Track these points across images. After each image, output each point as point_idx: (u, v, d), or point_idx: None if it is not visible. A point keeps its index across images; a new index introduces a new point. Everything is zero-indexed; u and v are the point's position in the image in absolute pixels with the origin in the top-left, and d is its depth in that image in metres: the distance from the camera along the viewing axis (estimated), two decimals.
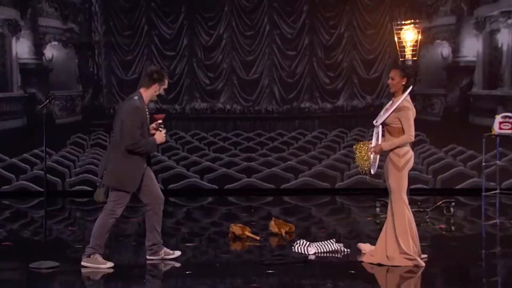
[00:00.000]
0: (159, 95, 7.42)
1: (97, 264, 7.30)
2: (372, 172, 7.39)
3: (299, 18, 12.24)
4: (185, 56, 12.23)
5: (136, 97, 7.27)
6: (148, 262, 7.54)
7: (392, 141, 7.31)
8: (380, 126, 7.37)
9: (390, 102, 7.46)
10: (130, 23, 12.16)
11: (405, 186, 7.40)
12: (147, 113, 7.30)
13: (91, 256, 7.32)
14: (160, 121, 7.43)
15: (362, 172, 7.42)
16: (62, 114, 12.14)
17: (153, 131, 7.42)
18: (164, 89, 7.40)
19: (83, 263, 7.34)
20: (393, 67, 7.57)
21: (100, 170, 7.45)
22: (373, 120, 7.46)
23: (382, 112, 7.42)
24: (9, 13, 11.85)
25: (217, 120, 12.32)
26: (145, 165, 7.35)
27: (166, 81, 7.38)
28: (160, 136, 7.34)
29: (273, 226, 8.94)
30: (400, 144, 7.29)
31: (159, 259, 7.58)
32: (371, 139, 7.42)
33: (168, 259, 7.63)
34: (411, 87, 7.40)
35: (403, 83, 7.35)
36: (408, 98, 7.39)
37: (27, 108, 11.91)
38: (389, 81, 7.41)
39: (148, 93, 7.29)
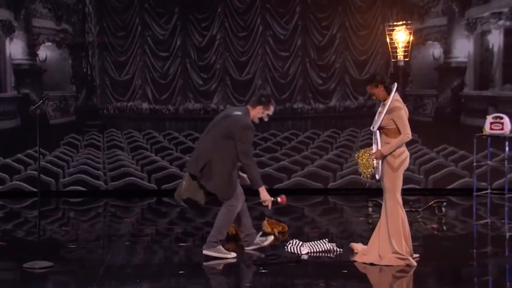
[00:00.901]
0: (261, 118, 7.87)
1: (222, 254, 7.73)
2: (377, 177, 7.45)
3: (292, 19, 12.27)
4: (178, 56, 12.23)
5: (241, 113, 7.81)
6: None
7: (390, 144, 7.34)
8: (378, 131, 7.42)
9: (381, 105, 7.51)
10: (123, 24, 12.15)
11: (399, 186, 7.43)
12: None
13: (216, 247, 7.78)
14: (279, 201, 8.02)
15: (365, 178, 7.48)
16: (56, 115, 12.14)
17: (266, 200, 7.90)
18: (268, 115, 7.87)
19: (207, 253, 7.75)
20: (365, 84, 7.65)
21: (195, 170, 8.05)
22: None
23: (376, 117, 7.46)
24: (2, 14, 11.83)
25: (210, 120, 12.22)
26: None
27: (272, 108, 7.88)
28: (266, 197, 7.86)
29: (266, 226, 8.96)
30: (398, 145, 7.33)
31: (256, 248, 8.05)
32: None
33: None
34: (395, 85, 7.45)
35: (382, 90, 7.43)
36: (398, 97, 7.44)
37: (20, 108, 11.90)
38: (373, 96, 7.59)
39: (253, 113, 7.85)
